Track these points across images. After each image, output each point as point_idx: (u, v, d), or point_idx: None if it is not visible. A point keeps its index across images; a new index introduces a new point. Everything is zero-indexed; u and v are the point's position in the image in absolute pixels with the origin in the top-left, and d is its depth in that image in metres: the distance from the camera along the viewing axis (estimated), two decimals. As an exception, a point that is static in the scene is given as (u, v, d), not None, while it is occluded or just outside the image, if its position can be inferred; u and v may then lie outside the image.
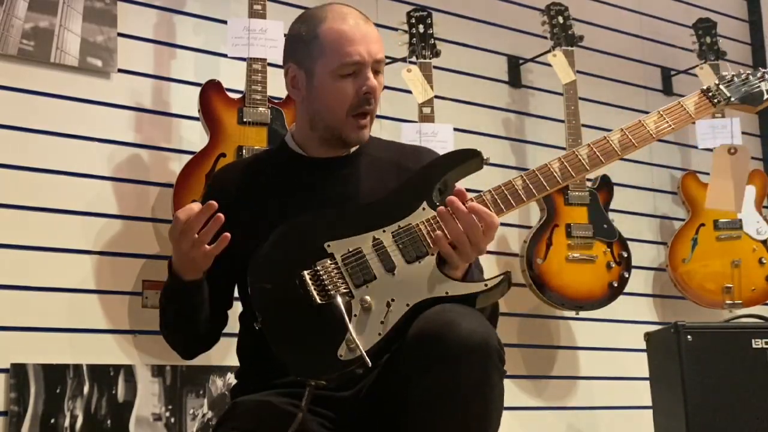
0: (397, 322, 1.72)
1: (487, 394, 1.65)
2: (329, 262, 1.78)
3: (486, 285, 1.76)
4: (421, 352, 1.65)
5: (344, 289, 1.75)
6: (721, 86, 2.05)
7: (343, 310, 1.71)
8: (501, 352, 1.68)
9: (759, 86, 2.07)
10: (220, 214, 1.79)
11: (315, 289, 1.76)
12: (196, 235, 1.79)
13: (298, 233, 1.84)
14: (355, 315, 1.73)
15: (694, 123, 2.02)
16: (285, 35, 2.06)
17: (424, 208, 1.83)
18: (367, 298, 1.74)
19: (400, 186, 1.90)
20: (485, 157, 1.88)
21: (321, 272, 1.77)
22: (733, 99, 2.04)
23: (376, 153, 2.05)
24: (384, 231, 1.81)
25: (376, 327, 1.72)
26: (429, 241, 1.79)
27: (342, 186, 1.98)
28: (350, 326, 1.69)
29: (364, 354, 1.67)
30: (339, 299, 1.73)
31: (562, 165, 1.90)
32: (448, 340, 1.62)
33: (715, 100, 2.02)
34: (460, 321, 1.64)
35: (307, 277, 1.77)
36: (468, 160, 1.89)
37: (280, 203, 1.96)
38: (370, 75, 1.93)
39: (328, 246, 1.80)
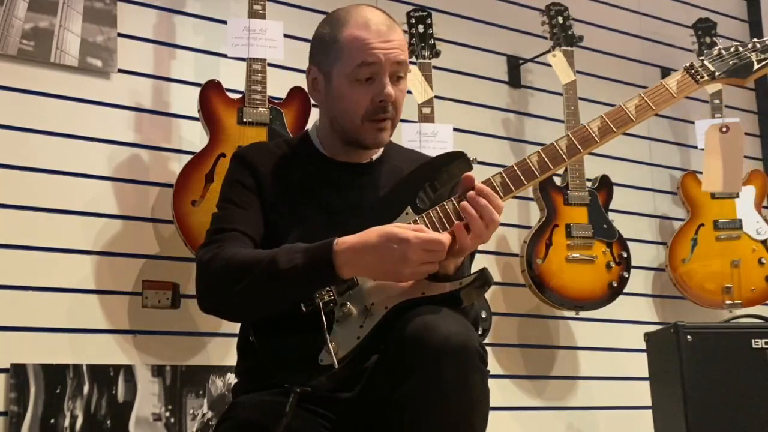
0: (375, 325, 1.75)
1: (469, 395, 1.67)
2: None
3: (461, 283, 1.76)
4: (403, 355, 1.67)
5: (328, 297, 1.77)
6: (706, 62, 1.98)
7: (322, 316, 1.74)
8: (482, 352, 1.70)
9: (749, 57, 1.99)
10: None
11: None
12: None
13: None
14: (337, 321, 1.76)
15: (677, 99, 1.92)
16: (312, 36, 2.04)
17: (407, 213, 1.84)
18: (347, 303, 1.76)
19: (387, 194, 1.91)
20: (471, 158, 1.87)
21: None
22: (718, 74, 1.96)
23: (396, 162, 2.05)
24: None
25: (355, 331, 1.74)
26: None
27: (360, 194, 1.98)
28: (326, 333, 1.72)
29: (335, 359, 1.70)
30: (321, 306, 1.76)
31: (540, 158, 1.88)
32: (427, 343, 1.64)
33: (698, 77, 1.95)
34: (439, 324, 1.66)
35: None
36: (451, 163, 1.87)
37: (300, 204, 1.96)
38: (387, 82, 1.91)
39: None
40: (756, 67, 1.97)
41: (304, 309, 1.76)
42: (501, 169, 1.87)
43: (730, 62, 1.98)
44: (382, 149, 2.05)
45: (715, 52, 1.99)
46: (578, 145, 1.90)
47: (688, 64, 1.97)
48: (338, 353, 1.72)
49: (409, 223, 1.80)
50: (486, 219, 1.76)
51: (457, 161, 1.86)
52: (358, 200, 1.96)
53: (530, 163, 1.87)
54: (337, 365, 1.71)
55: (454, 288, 1.76)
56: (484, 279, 1.76)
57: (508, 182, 1.84)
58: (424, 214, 1.81)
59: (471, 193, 1.79)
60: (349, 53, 1.91)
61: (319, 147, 2.04)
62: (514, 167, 1.86)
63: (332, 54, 1.94)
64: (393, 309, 1.75)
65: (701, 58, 2.00)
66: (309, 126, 2.13)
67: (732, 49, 1.99)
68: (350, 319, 1.75)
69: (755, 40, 2.01)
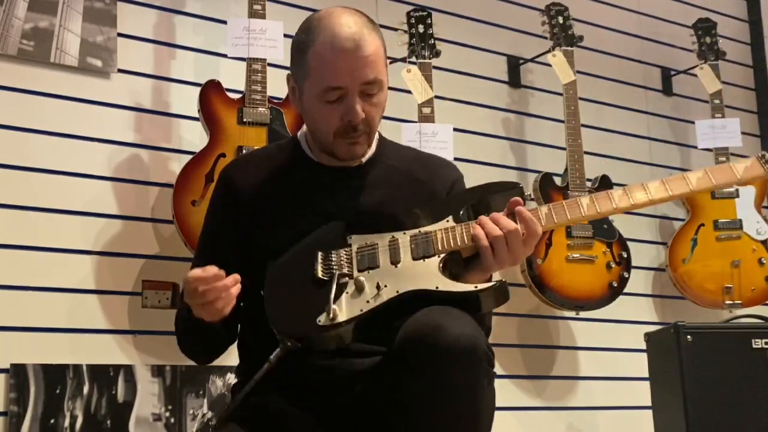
0: (381, 303, 1.78)
1: (477, 397, 1.68)
2: (345, 250, 1.87)
3: (476, 287, 1.78)
4: (411, 356, 1.67)
5: (347, 270, 1.82)
6: None
7: (333, 283, 1.79)
8: (490, 355, 1.70)
9: None
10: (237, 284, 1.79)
11: (321, 266, 1.84)
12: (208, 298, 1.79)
13: (330, 229, 1.91)
14: (347, 293, 1.80)
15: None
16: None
17: (448, 221, 1.87)
18: (362, 279, 1.80)
19: (435, 199, 1.96)
20: (526, 193, 1.91)
21: (333, 255, 1.85)
22: None
23: (390, 161, 2.04)
24: (404, 233, 1.87)
25: (361, 304, 1.78)
26: (439, 245, 1.83)
27: (353, 197, 1.97)
28: (332, 296, 1.77)
29: (331, 321, 1.74)
30: (337, 276, 1.81)
31: (591, 200, 1.90)
32: (437, 344, 1.64)
33: (767, 166, 2.04)
34: (449, 325, 1.66)
35: (319, 256, 1.85)
36: (505, 191, 1.91)
37: (295, 212, 1.96)
38: (355, 102, 1.87)
39: (350, 238, 1.88)
40: None
41: (321, 276, 1.82)
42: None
43: None
44: (373, 149, 2.03)
45: None
46: (629, 197, 1.92)
47: (760, 154, 2.05)
48: (336, 318, 1.75)
49: (446, 228, 1.85)
50: (511, 243, 1.79)
51: (509, 191, 1.90)
52: (351, 204, 1.96)
53: (579, 204, 1.90)
54: (331, 323, 1.74)
55: (469, 289, 1.77)
56: (502, 290, 1.78)
57: (552, 214, 1.87)
58: (462, 224, 1.85)
59: (494, 214, 1.83)
60: (314, 74, 1.88)
61: (309, 153, 2.03)
62: (563, 203, 1.90)
63: (302, 69, 1.92)
64: (404, 294, 1.78)
65: None
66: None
67: None
68: (361, 295, 1.79)
69: None
